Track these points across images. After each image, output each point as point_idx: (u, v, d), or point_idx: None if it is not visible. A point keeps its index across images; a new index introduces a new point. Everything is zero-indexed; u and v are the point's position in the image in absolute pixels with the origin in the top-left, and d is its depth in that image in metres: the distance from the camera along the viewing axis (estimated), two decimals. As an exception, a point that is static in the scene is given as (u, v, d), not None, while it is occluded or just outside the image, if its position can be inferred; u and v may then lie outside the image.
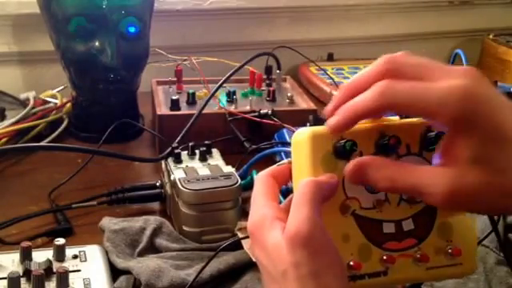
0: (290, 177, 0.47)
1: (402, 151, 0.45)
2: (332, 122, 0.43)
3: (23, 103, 1.07)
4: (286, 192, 0.59)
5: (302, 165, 0.44)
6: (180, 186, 0.73)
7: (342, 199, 0.44)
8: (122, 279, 0.66)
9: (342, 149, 0.43)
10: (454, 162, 0.40)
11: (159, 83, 1.07)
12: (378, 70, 0.42)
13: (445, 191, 0.40)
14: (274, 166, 0.48)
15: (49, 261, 0.63)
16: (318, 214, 0.41)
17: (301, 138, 0.44)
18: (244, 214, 0.75)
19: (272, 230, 0.43)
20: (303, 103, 1.02)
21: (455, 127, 0.40)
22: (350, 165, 0.43)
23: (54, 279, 0.62)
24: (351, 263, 0.43)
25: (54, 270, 0.63)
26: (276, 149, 0.86)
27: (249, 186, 0.75)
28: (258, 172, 0.49)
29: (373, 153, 0.44)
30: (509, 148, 0.39)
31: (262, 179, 0.47)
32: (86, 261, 0.66)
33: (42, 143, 0.96)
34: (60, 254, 0.66)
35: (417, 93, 0.40)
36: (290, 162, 0.46)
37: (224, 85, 0.96)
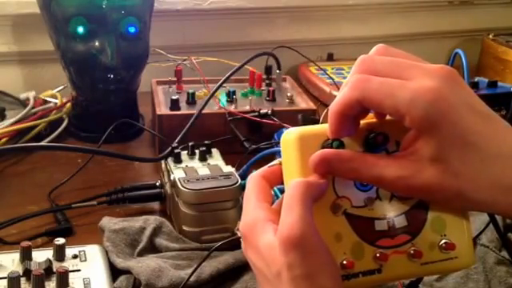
0: (281, 177, 0.46)
1: (391, 148, 0.45)
2: (329, 129, 0.43)
3: (23, 103, 1.07)
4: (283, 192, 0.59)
5: (291, 165, 0.44)
6: (180, 186, 0.73)
7: (333, 199, 0.44)
8: (122, 279, 0.66)
9: (329, 148, 0.43)
10: (414, 156, 0.42)
11: (159, 83, 1.07)
12: (355, 72, 0.43)
13: (402, 184, 0.42)
14: (266, 167, 0.48)
15: (49, 260, 0.63)
16: (309, 214, 0.41)
17: (289, 139, 0.44)
18: (244, 213, 0.75)
19: (264, 232, 0.43)
20: (303, 103, 1.02)
21: (420, 127, 0.41)
22: (314, 156, 0.43)
23: (54, 279, 0.62)
24: (344, 262, 0.43)
25: (54, 269, 0.63)
26: (276, 149, 0.86)
27: (249, 186, 0.75)
28: (257, 172, 0.49)
29: (361, 151, 0.44)
30: (466, 153, 0.40)
31: (253, 180, 0.47)
32: (85, 261, 0.66)
33: (41, 143, 0.96)
34: (60, 254, 0.66)
35: (387, 89, 0.40)
36: (281, 163, 0.46)
37: (224, 85, 0.96)
